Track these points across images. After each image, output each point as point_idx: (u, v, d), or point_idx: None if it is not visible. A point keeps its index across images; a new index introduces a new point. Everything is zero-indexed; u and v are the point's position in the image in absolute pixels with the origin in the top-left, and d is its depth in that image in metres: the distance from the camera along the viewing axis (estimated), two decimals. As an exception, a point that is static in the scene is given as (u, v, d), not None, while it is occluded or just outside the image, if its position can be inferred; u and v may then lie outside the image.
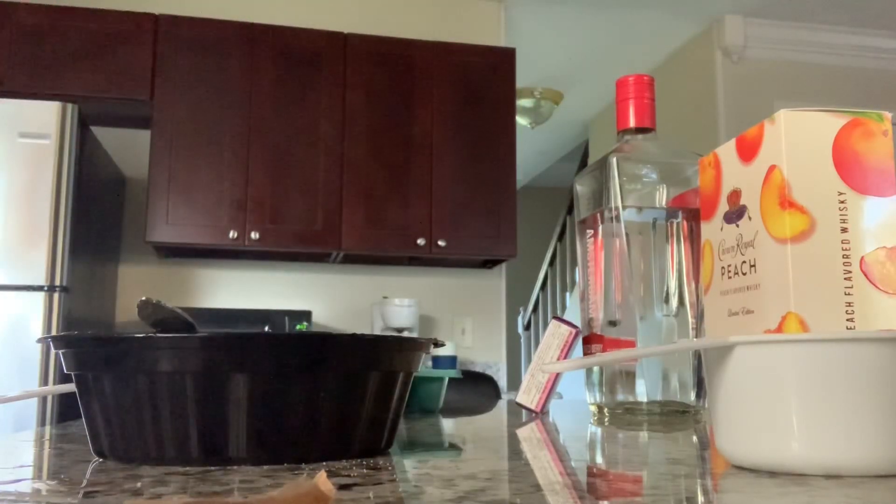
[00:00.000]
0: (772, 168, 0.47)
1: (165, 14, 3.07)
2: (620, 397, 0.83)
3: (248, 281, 3.32)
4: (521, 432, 0.71)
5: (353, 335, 0.49)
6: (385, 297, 3.25)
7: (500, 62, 3.37)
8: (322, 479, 0.27)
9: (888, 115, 0.47)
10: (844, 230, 0.45)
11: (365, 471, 0.44)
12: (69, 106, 2.48)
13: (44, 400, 2.37)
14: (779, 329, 0.45)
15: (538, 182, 7.30)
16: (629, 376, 0.83)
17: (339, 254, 3.16)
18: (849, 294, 0.45)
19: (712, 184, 0.53)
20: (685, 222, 0.84)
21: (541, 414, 0.92)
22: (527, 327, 6.39)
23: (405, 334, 2.00)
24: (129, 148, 3.28)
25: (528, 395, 0.93)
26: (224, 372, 0.45)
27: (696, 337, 0.83)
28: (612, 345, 0.84)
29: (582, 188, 0.91)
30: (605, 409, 0.84)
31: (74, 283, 2.50)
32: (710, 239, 0.53)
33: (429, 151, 3.23)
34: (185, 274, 3.27)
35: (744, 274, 0.49)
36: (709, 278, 0.54)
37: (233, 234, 2.99)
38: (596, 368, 0.85)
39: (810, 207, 0.46)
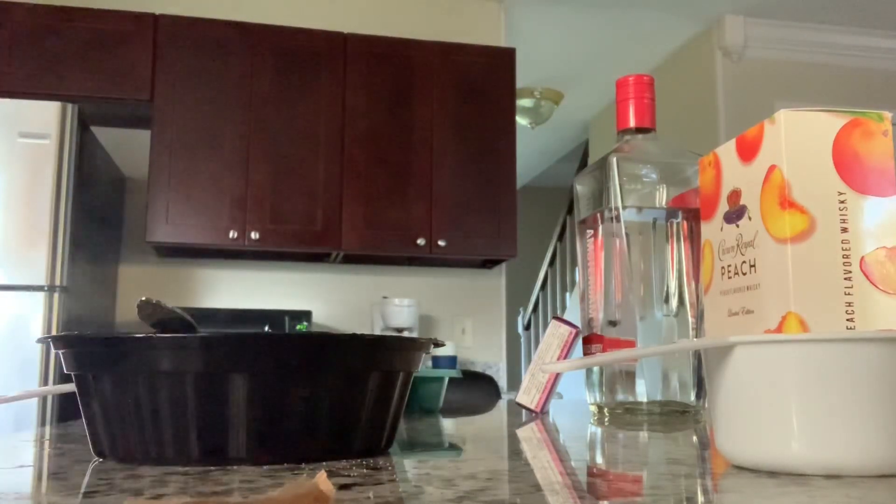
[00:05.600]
0: (772, 168, 0.47)
1: (165, 14, 3.07)
2: (620, 397, 0.83)
3: (248, 281, 3.32)
4: (521, 432, 0.71)
5: (353, 335, 0.49)
6: (385, 297, 3.25)
7: (500, 62, 3.37)
8: (322, 479, 0.27)
9: (888, 115, 0.47)
10: (844, 230, 0.45)
11: (365, 471, 0.44)
12: (69, 106, 2.48)
13: (44, 400, 2.37)
14: (779, 329, 0.45)
15: (538, 182, 7.30)
16: (629, 376, 0.83)
17: (339, 254, 3.16)
18: (849, 294, 0.45)
19: (712, 184, 0.53)
20: (685, 222, 0.84)
21: (541, 414, 0.92)
22: (527, 327, 6.39)
23: (405, 334, 2.00)
24: (129, 148, 3.28)
25: (528, 395, 0.93)
26: (224, 372, 0.45)
27: (696, 337, 0.83)
28: (612, 345, 0.84)
29: (582, 188, 0.91)
30: (605, 409, 0.84)
31: (74, 283, 2.50)
32: (710, 239, 0.53)
33: (429, 151, 3.23)
34: (185, 274, 3.27)
35: (744, 274, 0.49)
36: (709, 278, 0.54)
37: (233, 234, 2.99)
38: (596, 368, 0.85)
39: (810, 207, 0.46)
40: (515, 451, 0.54)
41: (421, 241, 3.15)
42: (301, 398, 0.47)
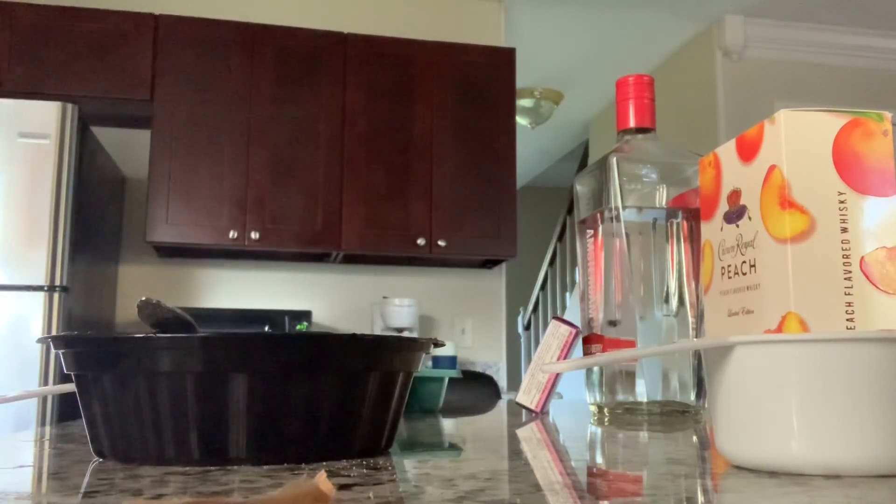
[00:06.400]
0: (772, 168, 0.47)
1: (165, 14, 3.07)
2: (620, 397, 0.83)
3: (248, 281, 3.32)
4: (521, 432, 0.71)
5: (353, 335, 0.49)
6: (385, 297, 3.25)
7: (500, 62, 3.37)
8: (322, 479, 0.27)
9: (888, 115, 0.47)
10: (844, 230, 0.45)
11: (365, 471, 0.44)
12: (69, 106, 2.48)
13: (44, 400, 2.37)
14: (779, 329, 0.45)
15: (538, 182, 7.30)
16: (629, 376, 0.83)
17: (339, 254, 3.16)
18: (849, 294, 0.45)
19: (712, 184, 0.53)
20: (685, 222, 0.84)
21: (541, 414, 0.92)
22: (527, 327, 6.39)
23: (405, 334, 2.00)
24: (129, 148, 3.28)
25: (528, 395, 0.93)
26: (224, 372, 0.45)
27: (696, 337, 0.83)
28: (612, 345, 0.84)
29: (582, 188, 0.91)
30: (605, 409, 0.84)
31: (74, 283, 2.50)
32: (710, 239, 0.53)
33: (429, 151, 3.23)
34: (185, 274, 3.27)
35: (744, 274, 0.49)
36: (709, 278, 0.54)
37: (233, 234, 2.98)
38: (596, 368, 0.85)
39: (810, 207, 0.46)
40: (515, 451, 0.54)
41: (421, 241, 3.15)
42: (301, 398, 0.47)
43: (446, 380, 1.02)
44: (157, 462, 0.46)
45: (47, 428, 0.76)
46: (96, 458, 0.50)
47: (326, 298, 3.39)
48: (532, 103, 4.99)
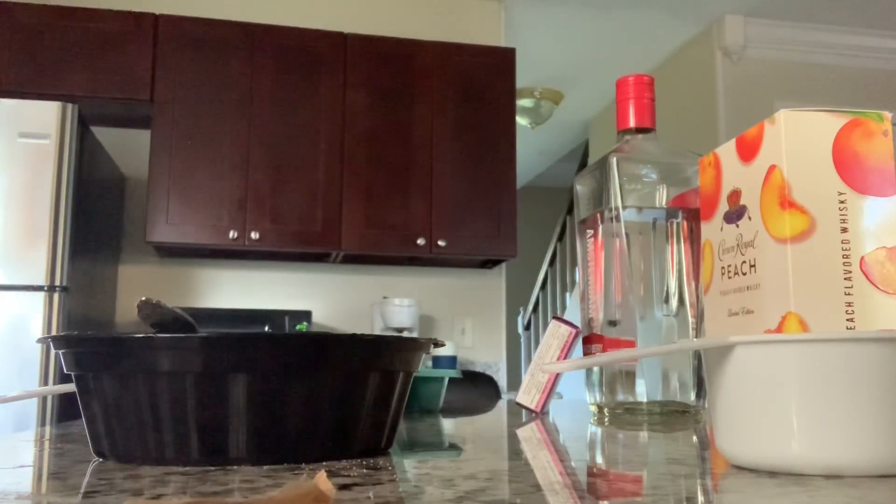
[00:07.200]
0: (772, 168, 0.47)
1: (165, 14, 3.07)
2: (620, 397, 0.83)
3: (248, 281, 3.32)
4: (521, 432, 0.71)
5: (353, 335, 0.49)
6: (385, 297, 3.25)
7: (500, 62, 3.37)
8: (322, 479, 0.27)
9: (888, 115, 0.47)
10: (844, 230, 0.45)
11: (365, 471, 0.44)
12: (69, 106, 2.48)
13: (44, 400, 2.37)
14: (779, 329, 0.45)
15: (538, 182, 7.30)
16: (629, 376, 0.83)
17: (339, 254, 3.16)
18: (849, 294, 0.45)
19: (712, 184, 0.53)
20: (685, 222, 0.84)
21: (541, 414, 0.92)
22: (527, 327, 6.39)
23: (405, 334, 1.99)
24: (129, 148, 3.28)
25: (528, 395, 0.93)
26: (224, 372, 0.45)
27: (696, 337, 0.83)
28: (612, 345, 0.84)
29: (582, 188, 0.91)
30: (605, 409, 0.84)
31: (74, 283, 2.50)
32: (710, 239, 0.53)
33: (429, 151, 3.23)
34: (185, 274, 3.27)
35: (744, 274, 0.49)
36: (709, 278, 0.54)
37: (233, 234, 2.98)
38: (596, 368, 0.85)
39: (810, 207, 0.46)
40: (515, 451, 0.54)
41: (421, 241, 3.15)
42: (301, 398, 0.47)
43: (446, 380, 1.02)
44: (157, 462, 0.46)
45: (47, 428, 0.76)
46: (96, 458, 0.50)
47: (326, 298, 3.39)
48: (532, 103, 4.98)
